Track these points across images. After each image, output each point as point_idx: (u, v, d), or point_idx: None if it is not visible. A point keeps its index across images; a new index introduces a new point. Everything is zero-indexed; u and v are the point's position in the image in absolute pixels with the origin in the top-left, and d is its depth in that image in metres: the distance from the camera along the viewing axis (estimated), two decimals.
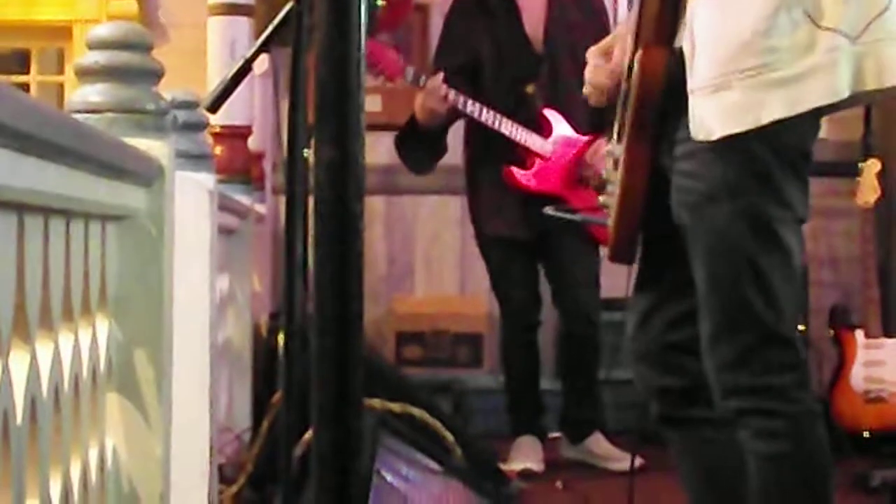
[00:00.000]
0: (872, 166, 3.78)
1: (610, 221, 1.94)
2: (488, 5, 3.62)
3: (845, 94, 1.70)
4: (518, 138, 3.52)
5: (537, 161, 3.56)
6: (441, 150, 3.68)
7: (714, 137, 1.70)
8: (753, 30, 1.69)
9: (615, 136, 1.95)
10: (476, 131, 3.58)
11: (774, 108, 1.70)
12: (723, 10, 1.73)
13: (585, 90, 2.03)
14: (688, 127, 1.76)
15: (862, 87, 1.71)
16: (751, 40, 1.70)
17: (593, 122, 3.46)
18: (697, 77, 1.73)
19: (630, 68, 1.84)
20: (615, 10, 4.24)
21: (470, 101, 3.44)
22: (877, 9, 1.70)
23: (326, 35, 0.89)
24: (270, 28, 1.43)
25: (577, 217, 3.25)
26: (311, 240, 1.13)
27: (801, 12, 1.68)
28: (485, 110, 3.46)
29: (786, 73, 1.69)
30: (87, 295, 1.43)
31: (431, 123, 3.51)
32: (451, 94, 3.40)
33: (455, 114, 3.50)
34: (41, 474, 1.25)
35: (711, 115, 1.71)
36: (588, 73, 2.02)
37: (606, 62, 1.99)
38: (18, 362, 1.20)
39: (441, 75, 3.39)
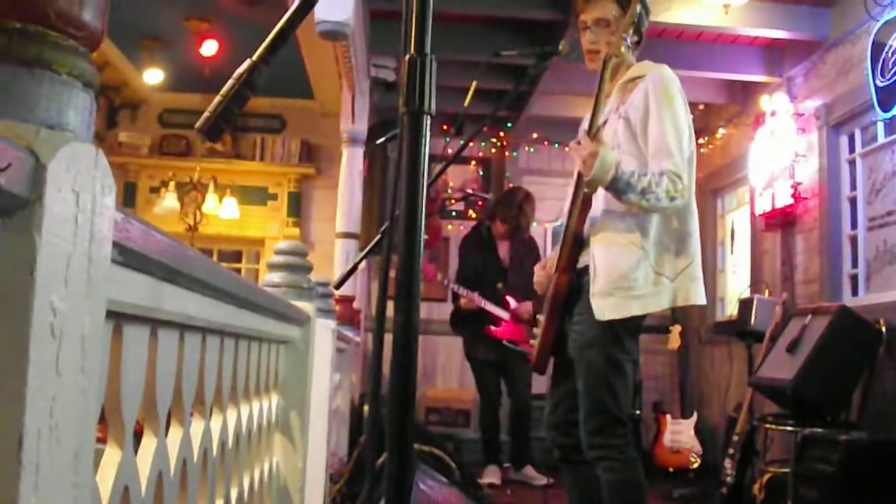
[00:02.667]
0: (676, 329, 6.08)
1: (534, 353, 2.85)
2: (483, 244, 6.20)
3: (666, 305, 2.63)
4: (497, 312, 6.05)
5: (503, 323, 6.21)
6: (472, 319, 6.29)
7: (605, 319, 2.63)
8: (624, 269, 2.63)
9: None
10: (466, 310, 6.26)
11: (634, 309, 2.65)
12: (610, 255, 2.66)
13: (534, 285, 2.97)
14: (582, 311, 2.69)
15: (675, 303, 2.64)
16: (624, 274, 2.64)
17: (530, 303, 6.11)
18: (596, 289, 2.67)
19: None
20: (545, 245, 7.56)
21: (484, 301, 5.91)
22: (685, 264, 2.65)
23: (402, 258, 1.16)
24: (367, 250, 2.28)
25: (519, 349, 5.36)
26: (385, 357, 1.36)
27: (649, 265, 2.63)
28: (485, 302, 5.94)
29: (639, 292, 2.64)
30: (267, 381, 1.92)
31: (468, 312, 6.02)
32: (480, 300, 5.96)
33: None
34: (240, 474, 1.69)
35: (603, 308, 2.64)
36: (535, 276, 2.95)
37: (544, 270, 2.92)
38: (233, 416, 1.63)
39: (477, 294, 5.93)
